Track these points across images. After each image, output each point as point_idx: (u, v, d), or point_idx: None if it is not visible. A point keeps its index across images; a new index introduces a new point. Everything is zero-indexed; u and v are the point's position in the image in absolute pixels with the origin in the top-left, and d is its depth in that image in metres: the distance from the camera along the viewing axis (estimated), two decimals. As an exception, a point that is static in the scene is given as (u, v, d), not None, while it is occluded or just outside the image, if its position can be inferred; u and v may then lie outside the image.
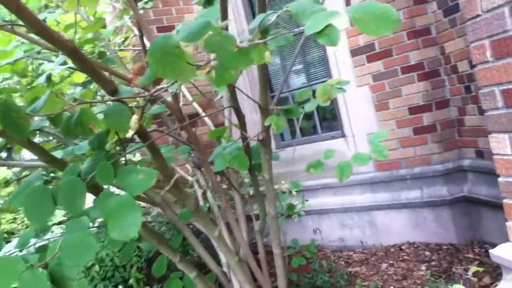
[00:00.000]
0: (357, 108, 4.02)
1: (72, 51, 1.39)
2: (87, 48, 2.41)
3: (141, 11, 4.25)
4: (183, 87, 3.28)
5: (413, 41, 3.61)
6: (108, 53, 2.46)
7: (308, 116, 4.59)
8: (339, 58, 4.04)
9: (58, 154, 1.79)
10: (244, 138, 2.21)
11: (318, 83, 4.44)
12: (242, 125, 2.19)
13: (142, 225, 2.10)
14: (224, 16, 1.61)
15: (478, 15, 1.78)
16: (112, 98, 1.55)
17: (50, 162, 1.66)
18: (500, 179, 1.93)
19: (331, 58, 4.12)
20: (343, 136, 4.25)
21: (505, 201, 1.94)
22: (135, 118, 1.54)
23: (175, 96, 2.08)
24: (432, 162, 3.73)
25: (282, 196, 3.85)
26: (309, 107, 2.17)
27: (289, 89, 4.63)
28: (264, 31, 1.39)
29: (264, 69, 1.92)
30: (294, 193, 3.83)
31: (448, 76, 3.60)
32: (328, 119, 4.54)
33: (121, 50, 4.07)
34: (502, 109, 1.80)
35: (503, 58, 1.72)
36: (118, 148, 1.76)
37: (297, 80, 4.64)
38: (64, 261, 1.23)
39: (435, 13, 3.54)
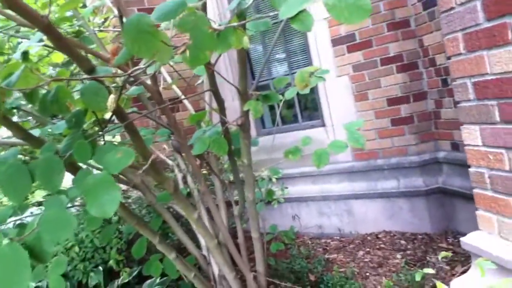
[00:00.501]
0: (337, 98, 4.08)
1: (46, 27, 1.38)
2: (65, 26, 2.39)
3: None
4: (163, 71, 3.27)
5: (392, 32, 3.66)
6: (86, 33, 2.44)
7: (289, 105, 4.62)
8: (320, 47, 4.07)
9: (35, 133, 1.79)
10: (223, 122, 2.23)
11: (300, 72, 4.48)
12: (221, 109, 2.21)
13: (121, 205, 2.13)
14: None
15: (452, 8, 1.83)
16: (88, 76, 1.55)
17: (26, 140, 1.66)
18: (470, 170, 2.00)
19: (312, 47, 4.16)
20: (323, 125, 4.30)
21: (475, 190, 2.01)
22: (112, 97, 1.55)
23: (154, 78, 2.08)
24: (408, 153, 3.81)
25: (261, 182, 3.89)
26: (289, 94, 2.20)
27: (270, 77, 4.65)
28: (240, 15, 1.41)
29: (242, 54, 1.94)
30: (274, 180, 3.87)
31: (426, 69, 3.67)
32: (309, 108, 4.58)
33: (101, 31, 4.03)
34: (473, 101, 1.85)
35: (475, 51, 1.77)
36: (96, 128, 1.76)
37: (279, 69, 4.66)
38: (43, 235, 1.24)
39: (415, 5, 3.60)
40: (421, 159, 3.75)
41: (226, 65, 4.67)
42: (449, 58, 1.94)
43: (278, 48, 4.60)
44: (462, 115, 1.94)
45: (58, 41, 1.48)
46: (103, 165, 1.41)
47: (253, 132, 4.78)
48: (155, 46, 1.16)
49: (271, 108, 4.96)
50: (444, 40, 1.93)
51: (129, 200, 3.45)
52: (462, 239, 2.07)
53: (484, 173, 1.90)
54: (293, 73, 4.49)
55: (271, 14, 1.49)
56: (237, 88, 2.07)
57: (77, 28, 2.42)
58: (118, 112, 1.77)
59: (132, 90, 2.02)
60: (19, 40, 2.73)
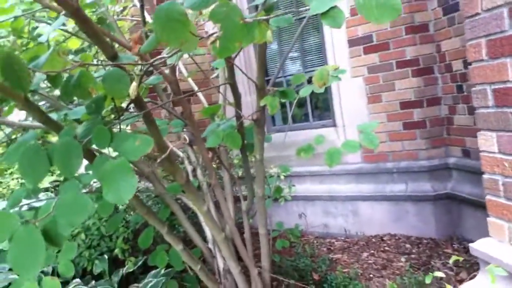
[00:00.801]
0: (350, 99, 4.06)
1: (75, 11, 1.39)
2: (88, 12, 2.40)
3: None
4: (180, 63, 3.28)
5: (410, 36, 3.65)
6: (107, 20, 2.45)
7: (301, 104, 4.62)
8: (336, 47, 4.06)
9: (53, 117, 1.79)
10: (238, 116, 2.23)
11: (314, 70, 4.46)
12: (238, 103, 2.21)
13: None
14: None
15: (477, 14, 1.81)
16: (111, 63, 1.55)
17: (46, 123, 1.66)
18: (484, 176, 1.99)
19: (328, 47, 4.14)
20: (334, 125, 4.29)
21: (488, 197, 2.00)
22: (134, 85, 1.55)
23: (173, 69, 2.09)
24: (419, 157, 3.79)
25: (270, 179, 3.89)
26: (304, 92, 2.20)
27: (284, 74, 4.65)
28: (269, 9, 1.41)
29: (263, 49, 1.94)
30: (282, 177, 3.87)
31: (442, 74, 3.65)
32: (321, 108, 4.57)
33: (120, 19, 4.04)
34: (492, 108, 1.84)
35: (498, 58, 1.76)
36: (113, 116, 1.76)
37: (293, 67, 4.65)
38: (59, 219, 1.25)
39: (435, 10, 3.58)
40: (430, 164, 3.73)
41: (241, 61, 4.67)
42: (470, 63, 1.93)
43: (294, 45, 4.58)
44: (480, 121, 1.93)
45: (86, 25, 1.48)
46: (122, 152, 1.41)
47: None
48: (184, 35, 1.16)
49: (282, 106, 4.95)
50: (467, 45, 1.92)
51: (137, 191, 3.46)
52: (471, 245, 2.07)
53: (498, 180, 1.89)
54: (307, 71, 4.48)
55: (289, 12, 1.49)
56: (255, 83, 2.07)
57: (97, 15, 2.43)
58: (137, 100, 1.78)
59: (152, 79, 2.02)
60: (36, 24, 2.74)
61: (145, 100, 2.54)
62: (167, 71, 2.11)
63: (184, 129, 2.62)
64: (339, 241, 4.18)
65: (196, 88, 3.14)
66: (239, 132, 2.27)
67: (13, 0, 2.28)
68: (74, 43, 2.64)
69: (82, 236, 3.22)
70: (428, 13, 3.63)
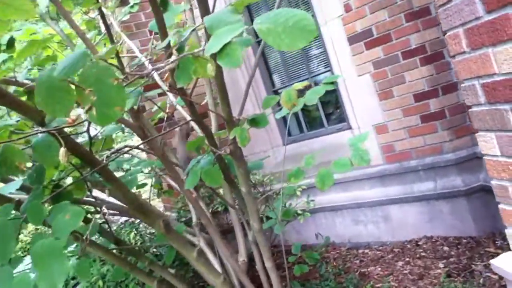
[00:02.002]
0: (360, 98, 3.80)
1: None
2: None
3: (128, 16, 4.16)
4: (169, 94, 3.16)
5: (411, 23, 3.35)
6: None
7: (313, 109, 4.40)
8: (337, 47, 3.81)
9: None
10: (213, 151, 2.07)
11: (319, 74, 4.24)
12: (209, 137, 2.05)
13: (110, 253, 2.01)
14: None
15: (449, 1, 1.56)
16: (41, 129, 1.44)
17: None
18: (493, 183, 1.72)
19: (329, 47, 3.90)
20: (350, 128, 4.03)
21: (500, 206, 1.73)
22: (63, 151, 1.43)
23: (135, 114, 1.96)
24: (443, 151, 3.47)
25: (276, 203, 3.70)
26: (279, 114, 2.01)
27: (290, 82, 4.44)
28: (179, 49, 1.24)
29: (219, 80, 1.77)
30: (298, 193, 3.67)
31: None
32: (334, 111, 4.33)
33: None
34: (484, 105, 1.58)
35: (479, 49, 1.49)
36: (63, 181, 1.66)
37: (298, 73, 4.43)
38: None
39: (434, -10, 3.27)
40: (457, 157, 3.40)
41: (243, 70, 4.52)
42: (453, 57, 1.67)
43: (295, 51, 4.38)
44: (475, 121, 1.67)
45: (3, 99, 1.39)
46: (53, 229, 1.29)
47: (278, 140, 4.59)
48: (69, 104, 1.02)
49: (295, 113, 4.74)
50: (445, 37, 1.66)
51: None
52: (492, 261, 1.79)
53: (508, 187, 1.62)
54: (313, 76, 4.26)
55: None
56: (221, 115, 1.90)
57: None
58: (88, 160, 1.66)
59: (109, 130, 1.90)
60: None
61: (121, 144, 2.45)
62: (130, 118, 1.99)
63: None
64: (372, 250, 3.90)
65: (188, 118, 3.00)
66: (220, 165, 2.11)
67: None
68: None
69: (100, 283, 3.18)
70: (428, -5, 3.32)
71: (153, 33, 4.64)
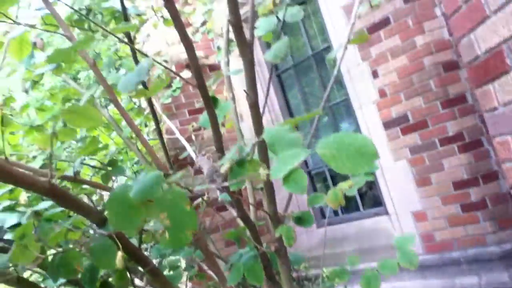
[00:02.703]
0: (397, 183, 3.75)
1: (49, 191, 1.33)
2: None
3: (170, 99, 4.35)
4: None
5: (448, 110, 3.37)
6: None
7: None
8: (372, 131, 3.84)
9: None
10: (257, 248, 2.04)
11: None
12: (254, 234, 2.03)
13: None
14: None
15: (495, 108, 1.57)
16: (97, 230, 1.47)
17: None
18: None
19: (364, 131, 3.94)
20: (387, 213, 3.95)
21: None
22: (120, 255, 1.44)
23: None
24: (487, 243, 3.33)
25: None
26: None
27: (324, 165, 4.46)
28: (240, 162, 1.28)
29: (268, 185, 1.79)
30: (336, 284, 3.54)
31: (493, 146, 3.29)
32: (370, 195, 4.28)
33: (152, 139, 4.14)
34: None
35: (534, 156, 1.48)
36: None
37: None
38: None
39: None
40: (502, 250, 3.25)
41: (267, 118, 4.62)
42: (503, 162, 1.65)
43: (328, 129, 4.45)
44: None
45: (63, 201, 1.43)
46: None
47: (312, 222, 4.52)
48: (137, 222, 1.05)
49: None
50: (494, 142, 1.66)
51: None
52: None
53: None
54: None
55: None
56: (267, 212, 1.90)
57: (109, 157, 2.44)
58: (138, 258, 1.66)
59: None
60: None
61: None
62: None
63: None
64: None
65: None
66: (262, 261, 2.07)
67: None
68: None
69: None
70: (463, 84, 3.37)
71: (192, 113, 4.82)
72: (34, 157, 3.15)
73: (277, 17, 1.60)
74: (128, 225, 1.06)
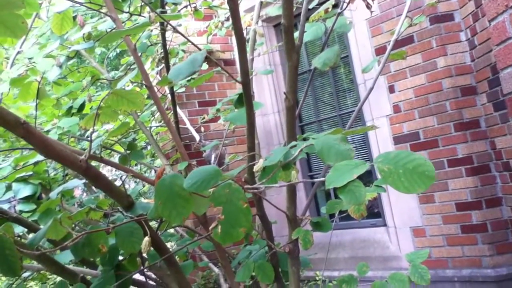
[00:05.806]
0: (400, 198, 3.80)
1: (85, 171, 1.35)
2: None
3: (183, 88, 4.34)
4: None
5: (460, 133, 3.41)
6: (138, 144, 2.46)
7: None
8: (381, 143, 3.88)
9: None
10: (270, 247, 2.07)
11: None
12: (268, 234, 2.06)
13: None
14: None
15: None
16: (124, 214, 1.49)
17: (61, 274, 1.59)
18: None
19: (373, 143, 3.98)
20: (385, 225, 4.00)
21: None
22: (146, 241, 1.45)
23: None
24: (482, 265, 3.39)
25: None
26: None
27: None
28: (285, 166, 1.30)
29: (292, 187, 1.82)
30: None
31: (500, 173, 3.35)
32: (369, 205, 4.32)
33: (158, 126, 4.13)
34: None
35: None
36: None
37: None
38: None
39: (485, 106, 3.36)
40: (497, 274, 3.31)
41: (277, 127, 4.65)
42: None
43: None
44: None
45: (97, 181, 1.44)
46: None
47: (307, 227, 4.54)
48: (187, 212, 1.06)
49: (327, 196, 4.75)
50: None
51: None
52: None
53: None
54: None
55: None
56: (286, 213, 1.93)
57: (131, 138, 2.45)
58: (157, 247, 1.68)
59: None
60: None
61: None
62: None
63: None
64: None
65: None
66: (272, 260, 2.09)
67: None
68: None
69: None
70: (478, 109, 3.42)
71: (201, 105, 4.83)
72: (48, 131, 3.15)
73: (325, 25, 1.62)
74: (174, 214, 1.08)
